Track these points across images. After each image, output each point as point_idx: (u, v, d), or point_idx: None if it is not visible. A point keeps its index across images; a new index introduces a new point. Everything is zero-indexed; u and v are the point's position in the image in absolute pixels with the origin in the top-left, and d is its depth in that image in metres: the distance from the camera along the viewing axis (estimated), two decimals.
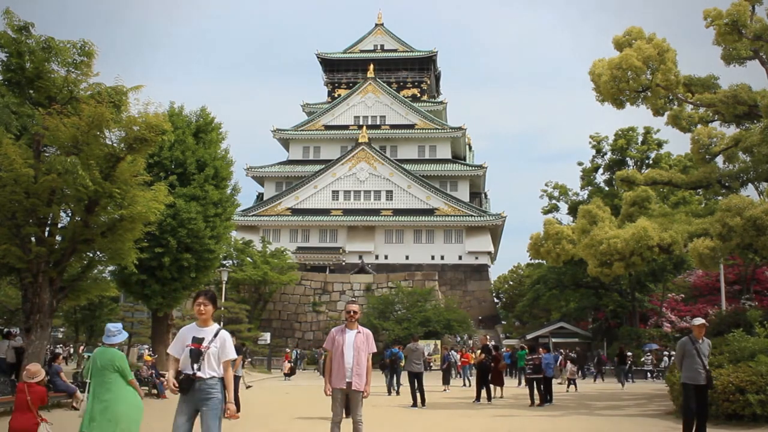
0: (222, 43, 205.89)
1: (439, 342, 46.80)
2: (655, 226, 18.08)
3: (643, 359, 38.35)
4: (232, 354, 6.50)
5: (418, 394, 17.93)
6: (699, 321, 10.71)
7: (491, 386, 19.64)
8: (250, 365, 28.33)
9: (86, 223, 14.47)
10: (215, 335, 6.45)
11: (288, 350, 45.23)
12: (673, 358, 35.01)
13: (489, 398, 18.95)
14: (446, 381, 26.03)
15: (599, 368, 37.05)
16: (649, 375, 36.58)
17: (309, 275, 57.60)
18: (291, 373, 35.37)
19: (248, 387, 24.50)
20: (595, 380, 34.26)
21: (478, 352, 22.96)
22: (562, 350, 37.82)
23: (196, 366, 6.28)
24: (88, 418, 7.46)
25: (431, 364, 41.86)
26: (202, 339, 6.38)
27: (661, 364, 36.51)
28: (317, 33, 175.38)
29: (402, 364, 23.01)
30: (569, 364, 28.14)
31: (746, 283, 42.94)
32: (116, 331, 7.85)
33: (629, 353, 32.93)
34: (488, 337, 23.54)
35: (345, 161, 69.38)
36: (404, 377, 22.83)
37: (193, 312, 6.55)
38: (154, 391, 19.16)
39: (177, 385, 6.31)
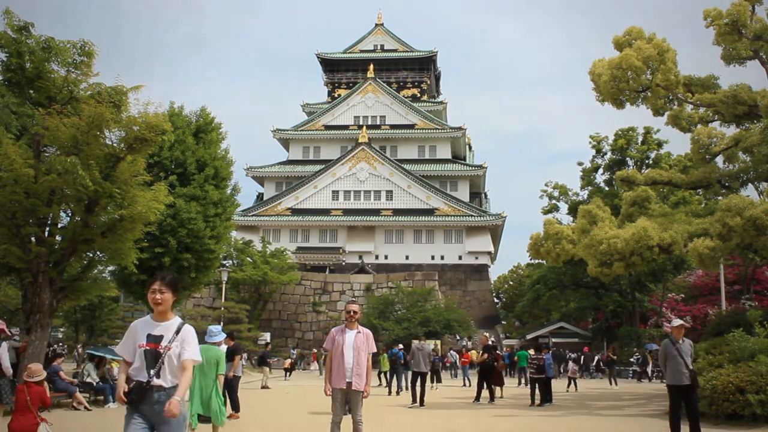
0: (222, 43, 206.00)
1: (439, 342, 46.80)
2: (655, 226, 18.08)
3: (632, 359, 38.50)
4: (195, 354, 5.06)
5: (418, 393, 17.95)
6: (677, 322, 10.82)
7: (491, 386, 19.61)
8: (257, 367, 28.85)
9: (86, 223, 14.47)
10: (177, 332, 5.04)
11: (315, 351, 45.20)
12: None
13: (492, 398, 18.87)
14: (437, 380, 25.97)
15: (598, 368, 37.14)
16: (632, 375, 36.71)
17: (309, 275, 57.56)
18: (290, 369, 35.83)
19: (264, 387, 25.10)
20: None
21: (478, 351, 22.93)
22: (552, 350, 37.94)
23: (152, 371, 4.91)
24: (198, 401, 9.46)
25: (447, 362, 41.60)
26: (161, 337, 4.98)
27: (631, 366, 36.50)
28: (317, 33, 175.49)
29: (402, 363, 23.05)
30: (570, 363, 28.15)
31: (746, 283, 42.92)
32: (216, 332, 9.91)
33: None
34: (487, 335, 23.46)
35: (345, 161, 69.38)
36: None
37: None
38: None
39: (126, 394, 4.93)
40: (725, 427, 12.42)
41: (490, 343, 20.66)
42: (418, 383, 18.19)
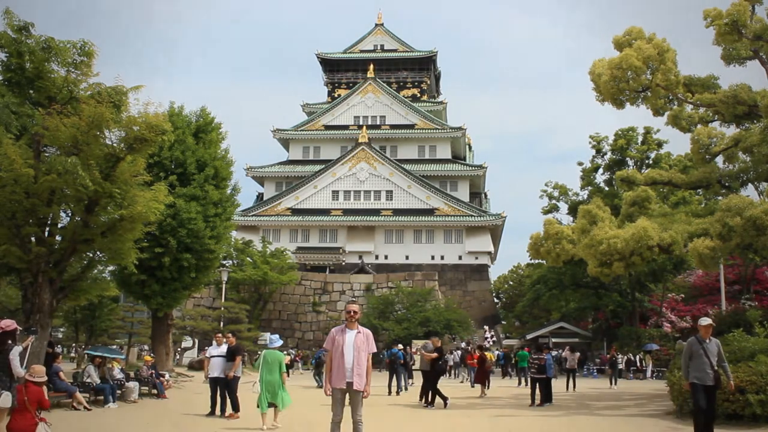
0: (222, 44, 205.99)
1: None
2: (655, 226, 18.06)
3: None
4: None
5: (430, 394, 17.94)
6: (706, 321, 10.48)
7: (469, 385, 19.33)
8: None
9: (86, 223, 14.46)
10: None
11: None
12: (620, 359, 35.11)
13: (432, 402, 17.42)
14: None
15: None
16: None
17: (309, 275, 57.56)
18: (289, 365, 36.02)
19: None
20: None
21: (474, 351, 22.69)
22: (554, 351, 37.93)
23: None
24: (264, 393, 12.13)
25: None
26: None
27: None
28: (317, 33, 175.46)
29: (402, 363, 23.09)
30: (569, 353, 27.90)
31: (746, 283, 42.90)
32: (276, 340, 12.57)
33: (619, 355, 32.95)
34: (437, 338, 21.68)
35: (345, 161, 69.36)
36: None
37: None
38: (154, 391, 19.14)
39: None
40: (725, 427, 12.41)
41: (440, 345, 19.23)
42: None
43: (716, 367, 10.21)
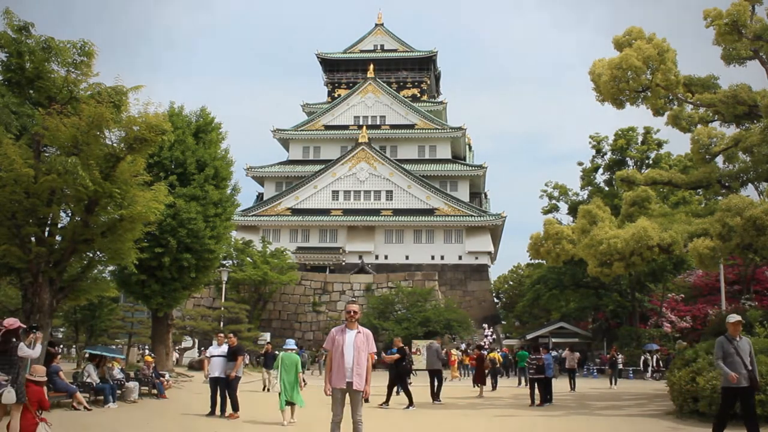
0: (222, 44, 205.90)
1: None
2: (655, 226, 18.06)
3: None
4: None
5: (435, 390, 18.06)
6: (735, 318, 9.66)
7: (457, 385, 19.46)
8: (262, 368, 28.01)
9: (86, 223, 14.46)
10: None
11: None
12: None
13: (410, 403, 17.00)
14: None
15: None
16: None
17: (309, 275, 57.57)
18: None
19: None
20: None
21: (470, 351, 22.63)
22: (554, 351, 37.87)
23: None
24: (284, 390, 13.02)
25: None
26: None
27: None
28: (317, 33, 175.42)
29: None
30: (569, 353, 27.84)
31: (746, 283, 42.89)
32: (292, 343, 13.89)
33: (619, 355, 32.94)
34: (400, 338, 21.45)
35: (345, 161, 69.36)
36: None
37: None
38: (154, 391, 19.14)
39: None
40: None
41: (402, 344, 19.11)
42: (434, 381, 18.31)
43: (750, 367, 9.43)
